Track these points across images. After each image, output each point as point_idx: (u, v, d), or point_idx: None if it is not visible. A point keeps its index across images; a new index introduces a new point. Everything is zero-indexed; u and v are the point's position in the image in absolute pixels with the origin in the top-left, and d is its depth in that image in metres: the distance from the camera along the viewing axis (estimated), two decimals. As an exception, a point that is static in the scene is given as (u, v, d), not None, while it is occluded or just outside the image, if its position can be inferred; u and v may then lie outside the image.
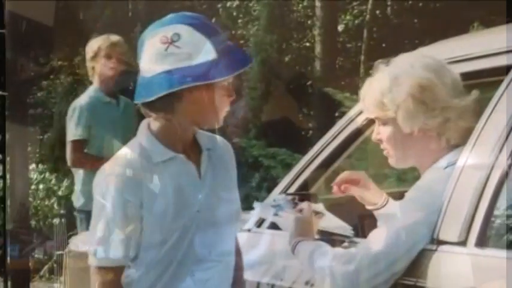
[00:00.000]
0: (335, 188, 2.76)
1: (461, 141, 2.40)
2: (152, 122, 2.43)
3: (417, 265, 2.26)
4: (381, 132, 2.52)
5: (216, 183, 2.48)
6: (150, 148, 2.38)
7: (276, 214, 2.69)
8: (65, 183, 9.23)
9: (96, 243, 2.34)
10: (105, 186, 2.34)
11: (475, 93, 2.44)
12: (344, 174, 2.77)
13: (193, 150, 2.45)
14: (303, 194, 2.83)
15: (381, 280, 2.29)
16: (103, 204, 2.34)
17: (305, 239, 2.51)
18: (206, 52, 2.33)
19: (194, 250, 2.41)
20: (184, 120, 2.38)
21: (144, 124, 2.46)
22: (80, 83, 9.58)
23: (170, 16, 2.40)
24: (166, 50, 2.32)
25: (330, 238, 2.55)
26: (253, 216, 2.81)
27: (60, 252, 6.82)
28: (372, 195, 2.72)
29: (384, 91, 2.45)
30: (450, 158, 2.43)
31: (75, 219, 5.03)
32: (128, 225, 2.33)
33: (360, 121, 2.83)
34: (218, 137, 2.52)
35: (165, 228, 2.36)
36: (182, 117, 2.37)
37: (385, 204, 2.70)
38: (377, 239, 2.33)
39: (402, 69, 2.47)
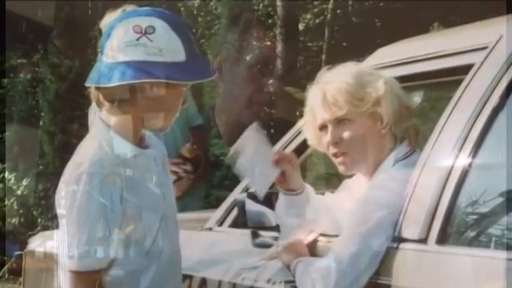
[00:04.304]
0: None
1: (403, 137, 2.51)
2: (107, 116, 2.39)
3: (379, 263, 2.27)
4: (340, 134, 2.51)
5: (169, 182, 2.50)
6: (117, 145, 2.35)
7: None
8: (24, 182, 9.14)
9: (81, 247, 2.27)
10: (88, 189, 2.27)
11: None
12: (281, 151, 2.78)
13: (143, 147, 2.43)
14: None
15: (359, 285, 2.28)
16: (85, 207, 2.27)
17: (301, 259, 2.47)
18: (177, 52, 2.32)
19: (167, 248, 2.41)
20: (140, 114, 2.35)
21: (99, 120, 2.41)
22: (39, 81, 9.50)
23: (147, 8, 2.38)
24: (138, 40, 2.29)
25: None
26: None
27: (19, 252, 6.75)
28: (295, 177, 2.64)
29: (362, 84, 2.48)
30: (395, 155, 2.48)
31: (34, 218, 4.97)
32: (111, 226, 2.28)
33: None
34: (154, 137, 2.51)
35: (145, 224, 2.34)
36: (137, 111, 2.34)
37: (302, 192, 2.64)
38: (345, 246, 2.32)
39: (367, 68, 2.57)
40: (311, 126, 2.62)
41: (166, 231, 2.40)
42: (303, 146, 2.85)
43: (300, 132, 2.87)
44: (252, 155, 2.60)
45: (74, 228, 2.28)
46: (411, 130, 2.53)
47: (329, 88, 2.51)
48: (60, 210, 2.35)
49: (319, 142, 2.60)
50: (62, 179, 2.34)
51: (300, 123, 2.88)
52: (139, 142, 2.41)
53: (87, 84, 2.36)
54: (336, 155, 2.54)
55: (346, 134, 2.50)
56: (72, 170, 2.33)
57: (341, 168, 2.56)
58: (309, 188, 2.67)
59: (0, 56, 10.23)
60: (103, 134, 2.37)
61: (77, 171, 2.30)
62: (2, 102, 10.45)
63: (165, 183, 2.47)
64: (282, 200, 2.66)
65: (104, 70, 2.31)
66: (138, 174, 2.35)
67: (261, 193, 2.66)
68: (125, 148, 2.35)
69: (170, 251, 2.43)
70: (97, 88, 2.34)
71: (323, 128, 2.56)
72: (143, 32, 2.30)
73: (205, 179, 4.92)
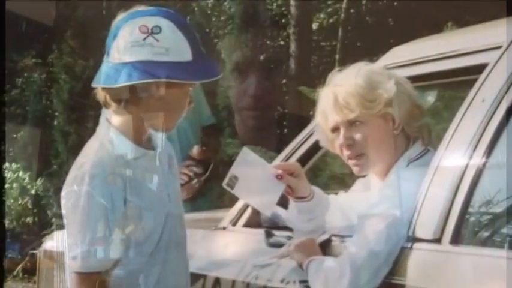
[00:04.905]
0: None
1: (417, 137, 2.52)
2: (112, 116, 2.39)
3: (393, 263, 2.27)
4: (352, 136, 2.51)
5: (175, 183, 2.49)
6: (120, 145, 2.34)
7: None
8: (38, 182, 9.16)
9: (83, 248, 2.26)
10: (89, 190, 2.26)
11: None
12: (281, 163, 2.76)
13: (149, 148, 2.43)
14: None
15: (374, 285, 2.28)
16: (86, 208, 2.26)
17: (313, 258, 2.47)
18: (183, 52, 2.30)
19: (172, 248, 2.40)
20: (145, 115, 2.35)
21: (104, 121, 2.41)
22: (53, 81, 9.53)
23: (153, 8, 2.35)
24: (144, 40, 2.27)
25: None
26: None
27: (33, 251, 6.77)
28: (302, 186, 2.63)
29: (373, 85, 2.47)
30: (409, 155, 2.49)
31: (48, 218, 4.99)
32: (113, 226, 2.28)
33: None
34: (164, 138, 2.50)
35: (148, 225, 2.33)
36: (144, 111, 2.33)
37: (312, 198, 2.62)
38: (360, 246, 2.33)
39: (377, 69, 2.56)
40: (323, 129, 2.62)
41: (172, 232, 2.39)
42: (316, 146, 2.85)
43: (313, 133, 2.87)
44: (251, 178, 2.56)
45: (76, 229, 2.28)
46: (424, 130, 2.53)
47: (340, 90, 2.50)
48: (63, 210, 2.35)
49: (332, 144, 2.60)
50: (66, 178, 2.35)
51: (313, 124, 2.88)
52: (145, 143, 2.40)
53: (93, 85, 2.36)
54: (349, 157, 2.54)
55: (358, 136, 2.50)
56: (74, 170, 2.33)
57: (355, 170, 2.56)
58: (318, 192, 2.67)
59: (14, 56, 10.28)
60: (107, 135, 2.36)
61: (79, 172, 2.30)
62: (16, 102, 10.50)
63: (171, 184, 2.45)
64: (292, 206, 2.66)
65: (110, 71, 2.30)
66: (141, 174, 2.34)
67: (268, 212, 2.65)
68: (128, 149, 2.34)
69: (175, 251, 2.42)
70: (104, 89, 2.34)
71: (335, 130, 2.55)
72: (150, 32, 2.28)
73: (217, 179, 4.92)
